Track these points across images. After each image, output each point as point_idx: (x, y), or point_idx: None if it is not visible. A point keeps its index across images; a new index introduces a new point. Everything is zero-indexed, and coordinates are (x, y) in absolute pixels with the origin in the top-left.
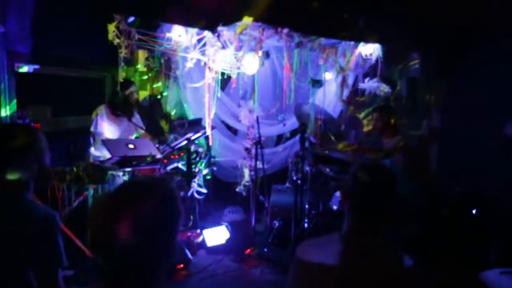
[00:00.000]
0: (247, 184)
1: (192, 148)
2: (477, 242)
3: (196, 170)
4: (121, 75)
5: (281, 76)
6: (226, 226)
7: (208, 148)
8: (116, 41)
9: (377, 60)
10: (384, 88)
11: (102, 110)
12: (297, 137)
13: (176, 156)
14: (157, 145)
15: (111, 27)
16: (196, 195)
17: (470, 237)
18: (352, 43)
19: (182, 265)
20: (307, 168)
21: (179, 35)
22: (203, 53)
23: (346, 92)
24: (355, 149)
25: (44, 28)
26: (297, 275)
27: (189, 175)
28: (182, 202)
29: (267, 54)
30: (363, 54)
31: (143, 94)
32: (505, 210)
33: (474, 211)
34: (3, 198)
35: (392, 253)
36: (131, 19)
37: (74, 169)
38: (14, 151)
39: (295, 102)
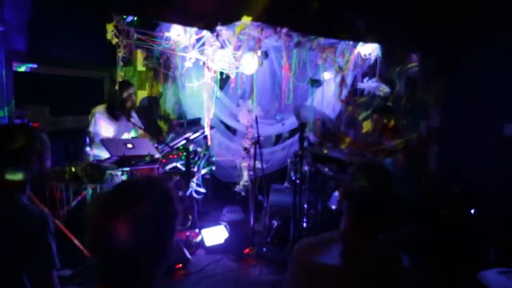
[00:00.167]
0: (246, 183)
1: (191, 147)
2: (475, 242)
3: (195, 169)
4: (120, 74)
5: (280, 75)
6: (225, 226)
7: (207, 147)
8: (115, 40)
9: (376, 60)
10: (384, 89)
11: (100, 110)
12: (296, 137)
13: (175, 156)
14: (155, 145)
15: (110, 27)
16: (194, 195)
17: (468, 237)
18: (351, 43)
19: (180, 265)
20: (306, 168)
21: (177, 35)
22: (201, 52)
23: (344, 92)
24: (358, 145)
25: (42, 27)
26: (295, 274)
27: (188, 175)
28: (180, 201)
29: (266, 54)
30: (362, 54)
31: (142, 94)
32: (503, 210)
33: (472, 211)
34: None
35: (391, 253)
36: (130, 18)
37: (73, 168)
38: (13, 153)
39: (294, 101)
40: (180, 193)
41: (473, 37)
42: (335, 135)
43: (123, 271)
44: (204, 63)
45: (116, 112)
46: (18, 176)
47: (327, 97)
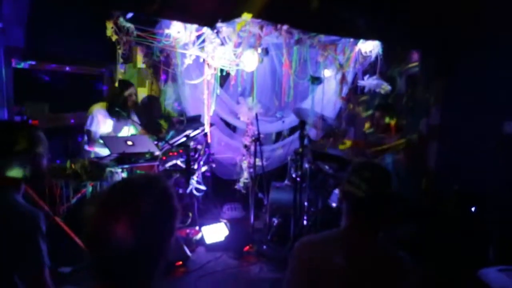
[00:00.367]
0: (246, 181)
1: (191, 144)
2: (475, 240)
3: (195, 167)
4: (119, 71)
5: (280, 73)
6: (225, 223)
7: (207, 145)
8: (114, 37)
9: (376, 57)
10: (385, 87)
11: (99, 108)
12: (296, 134)
13: (175, 153)
14: (155, 142)
15: (109, 24)
16: (195, 192)
17: (468, 236)
18: (351, 40)
19: (180, 262)
20: (306, 166)
21: (178, 32)
22: (202, 49)
23: (345, 89)
24: (359, 145)
25: (42, 24)
26: (295, 272)
27: (188, 172)
28: (180, 199)
29: (266, 51)
30: (363, 51)
31: (141, 91)
32: (503, 208)
33: (473, 209)
34: None
35: (391, 252)
36: (130, 15)
37: (72, 166)
38: (10, 152)
39: (294, 99)
40: (180, 190)
41: (473, 37)
42: (336, 132)
43: (122, 270)
44: (204, 60)
45: (116, 110)
46: (14, 175)
47: (327, 95)
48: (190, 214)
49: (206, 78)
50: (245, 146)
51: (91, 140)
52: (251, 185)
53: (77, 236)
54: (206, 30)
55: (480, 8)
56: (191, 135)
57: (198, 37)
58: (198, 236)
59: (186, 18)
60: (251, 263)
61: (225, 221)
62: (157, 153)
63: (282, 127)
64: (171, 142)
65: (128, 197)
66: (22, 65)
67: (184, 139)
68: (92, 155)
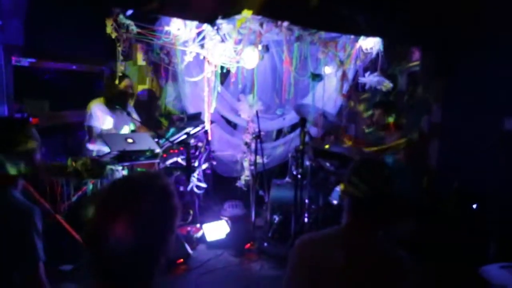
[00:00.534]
0: (247, 178)
1: (192, 142)
2: (476, 238)
3: (196, 164)
4: (120, 69)
5: (280, 70)
6: (226, 221)
7: (208, 142)
8: (114, 34)
9: (377, 54)
10: (387, 84)
11: (97, 103)
12: (297, 131)
13: (176, 151)
14: (156, 140)
15: (109, 21)
16: (195, 190)
17: (469, 233)
18: (352, 37)
19: (181, 260)
20: (307, 163)
21: (178, 29)
22: (202, 46)
23: (346, 87)
24: (360, 144)
25: (41, 21)
26: (295, 269)
27: (189, 170)
28: (181, 197)
29: (266, 48)
30: (364, 48)
31: (142, 88)
32: (504, 206)
33: (474, 207)
34: None
35: (391, 250)
36: (130, 12)
37: (73, 163)
38: (4, 148)
39: (295, 96)
40: (181, 188)
41: (473, 37)
42: (337, 129)
43: (122, 269)
44: (204, 57)
45: (114, 105)
46: (8, 171)
47: (328, 92)
48: (191, 212)
49: (206, 75)
50: (246, 144)
51: (92, 137)
52: (252, 183)
53: (78, 234)
54: (206, 27)
55: (480, 7)
56: (192, 132)
57: (198, 34)
58: (199, 234)
59: (186, 15)
60: (252, 260)
61: (226, 218)
62: (158, 150)
63: (282, 125)
64: (171, 139)
65: (128, 196)
66: (22, 62)
67: (185, 136)
68: (94, 154)
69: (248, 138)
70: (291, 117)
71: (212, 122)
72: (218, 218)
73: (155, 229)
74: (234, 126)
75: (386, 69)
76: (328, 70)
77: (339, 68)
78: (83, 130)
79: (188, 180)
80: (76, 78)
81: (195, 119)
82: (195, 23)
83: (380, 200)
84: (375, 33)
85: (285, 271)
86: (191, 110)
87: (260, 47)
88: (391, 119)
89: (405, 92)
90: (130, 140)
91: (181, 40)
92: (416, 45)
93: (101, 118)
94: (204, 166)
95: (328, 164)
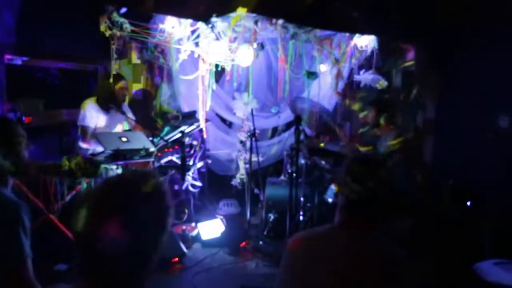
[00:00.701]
0: (242, 177)
1: (187, 140)
2: (471, 234)
3: (191, 163)
4: (114, 67)
5: (275, 68)
6: (221, 220)
7: (203, 141)
8: (108, 32)
9: (372, 52)
10: (383, 83)
11: (90, 103)
12: (292, 130)
13: (170, 149)
14: (150, 138)
15: (103, 19)
16: (190, 188)
17: (464, 230)
18: (347, 34)
19: (176, 259)
20: (302, 161)
21: (172, 27)
22: (196, 44)
23: (341, 84)
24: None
25: (34, 19)
26: (288, 267)
27: (184, 168)
28: (175, 195)
29: (261, 46)
30: (359, 46)
31: (137, 87)
32: (498, 203)
33: (468, 204)
34: None
35: (386, 247)
36: (124, 10)
37: (66, 162)
38: None
39: (290, 94)
40: (176, 186)
41: (468, 34)
42: (331, 128)
43: (113, 269)
44: (199, 55)
45: (108, 104)
46: None
47: (323, 90)
48: (186, 211)
49: (201, 73)
50: (241, 142)
51: (85, 136)
52: (247, 181)
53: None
54: (200, 25)
55: (475, 4)
56: (186, 131)
57: (193, 32)
58: (194, 233)
59: (180, 13)
60: (248, 259)
61: (221, 217)
62: (152, 149)
63: (277, 123)
64: (166, 138)
65: (119, 195)
66: (14, 61)
67: (179, 135)
68: (90, 151)
69: (243, 136)
70: (286, 116)
71: (207, 120)
72: (213, 216)
73: (147, 228)
74: (229, 124)
75: (381, 67)
76: (323, 68)
77: (334, 66)
78: (77, 129)
79: (183, 179)
80: (70, 76)
81: (190, 117)
82: (190, 21)
83: (374, 200)
84: (370, 31)
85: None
86: (186, 108)
87: (255, 45)
88: (384, 120)
89: (400, 89)
90: (124, 139)
91: (176, 38)
92: (411, 42)
93: (95, 117)
94: (199, 164)
95: (323, 162)
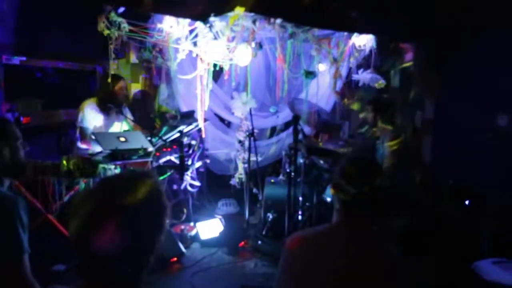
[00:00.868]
0: (240, 176)
1: (185, 139)
2: (469, 233)
3: (189, 163)
4: (112, 67)
5: (274, 67)
6: (220, 219)
7: (201, 140)
8: (106, 32)
9: (370, 51)
10: (381, 83)
11: (89, 103)
12: (291, 129)
13: (169, 149)
14: (149, 138)
15: (101, 18)
16: (189, 188)
17: (463, 229)
18: (345, 34)
19: (175, 258)
20: (301, 160)
21: (170, 26)
22: (195, 44)
23: (339, 84)
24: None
25: (33, 19)
26: (286, 267)
27: (182, 168)
28: (174, 195)
29: (260, 45)
30: (357, 45)
31: (135, 87)
32: (497, 202)
33: (467, 203)
34: None
35: (384, 246)
36: (122, 9)
37: (64, 162)
38: None
39: (289, 93)
40: (175, 186)
41: (467, 33)
42: (330, 127)
43: (110, 269)
44: (197, 55)
45: (108, 106)
46: None
47: (321, 89)
48: (185, 210)
49: (200, 73)
50: (240, 142)
51: (84, 137)
52: (246, 181)
53: None
54: (199, 24)
55: (474, 3)
56: (185, 130)
57: (191, 31)
58: (193, 232)
59: (178, 12)
60: (246, 258)
61: (220, 217)
62: (150, 149)
63: (276, 122)
64: (164, 138)
65: (115, 195)
66: (12, 61)
67: (178, 134)
68: (90, 152)
69: (241, 136)
70: (285, 115)
71: (205, 120)
72: (212, 216)
73: (145, 228)
74: (227, 124)
75: (379, 66)
76: (321, 67)
77: (332, 65)
78: (75, 129)
79: (181, 179)
80: (69, 76)
81: (188, 117)
82: (188, 20)
83: (370, 201)
84: (369, 30)
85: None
86: (184, 108)
87: (253, 44)
88: (383, 120)
89: (398, 89)
90: (122, 139)
91: (174, 37)
92: (410, 42)
93: (94, 118)
94: (198, 164)
95: (321, 162)
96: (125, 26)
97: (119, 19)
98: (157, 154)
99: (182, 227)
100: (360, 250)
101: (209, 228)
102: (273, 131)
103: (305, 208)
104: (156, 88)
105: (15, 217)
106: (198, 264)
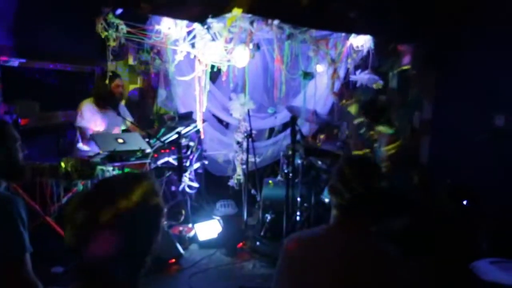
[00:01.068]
0: (239, 177)
1: (184, 141)
2: (468, 233)
3: (187, 164)
4: (110, 68)
5: (272, 68)
6: (218, 220)
7: (200, 142)
8: (104, 34)
9: (368, 52)
10: (379, 84)
11: (88, 103)
12: (289, 130)
13: (167, 150)
14: (147, 139)
15: (99, 20)
16: (187, 190)
17: (461, 229)
18: (343, 34)
19: (174, 260)
20: (299, 161)
21: (168, 28)
22: (193, 45)
23: (337, 85)
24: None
25: (31, 21)
26: (284, 269)
27: (180, 170)
28: (172, 197)
29: (257, 46)
30: (355, 46)
31: (133, 88)
32: (495, 201)
33: (465, 203)
34: None
35: (382, 246)
36: (119, 11)
37: (62, 164)
38: None
39: (287, 94)
40: (173, 188)
41: (466, 32)
42: (328, 128)
43: (106, 270)
44: (195, 56)
45: (105, 104)
46: None
47: (319, 90)
48: (183, 212)
49: (197, 74)
50: (238, 143)
51: (84, 138)
52: (244, 182)
53: None
54: (196, 26)
55: (472, 3)
56: (183, 132)
57: (189, 33)
58: (191, 234)
59: (176, 14)
60: (245, 259)
61: (218, 218)
62: (148, 150)
63: (274, 123)
64: (162, 139)
65: (111, 196)
66: (11, 63)
67: (176, 136)
68: (91, 153)
69: (240, 137)
70: (283, 116)
71: (204, 121)
72: (210, 217)
73: (140, 229)
74: (226, 125)
75: (377, 67)
76: (319, 68)
77: (330, 66)
78: (74, 130)
79: (179, 180)
80: (67, 78)
81: (187, 118)
82: (186, 22)
83: (368, 202)
84: (367, 31)
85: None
86: (183, 109)
87: (251, 45)
88: (379, 126)
89: (396, 90)
90: (120, 140)
91: (172, 39)
92: (408, 42)
93: (92, 118)
94: (196, 165)
95: (319, 163)
96: (123, 27)
97: (117, 21)
98: (155, 155)
99: (181, 228)
100: (358, 251)
101: (208, 229)
102: (272, 132)
103: (303, 209)
104: (154, 90)
105: (15, 216)
106: (197, 265)
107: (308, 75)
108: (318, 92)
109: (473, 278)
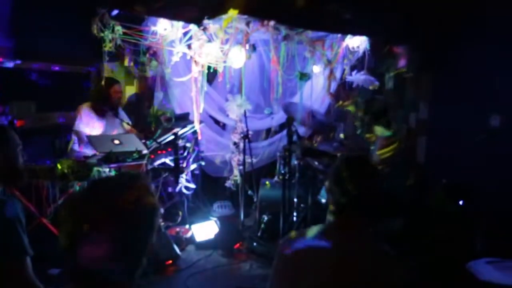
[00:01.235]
0: (235, 178)
1: (180, 142)
2: (463, 233)
3: (184, 165)
4: (106, 70)
5: (268, 69)
6: (215, 221)
7: (196, 143)
8: (100, 35)
9: (364, 53)
10: (375, 86)
11: (86, 107)
12: (285, 131)
13: (163, 151)
14: (143, 141)
15: (95, 21)
16: (184, 191)
17: (457, 228)
18: (339, 35)
19: (170, 261)
20: (295, 162)
21: (164, 29)
22: (189, 46)
23: (333, 85)
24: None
25: (27, 22)
26: (279, 269)
27: (177, 171)
28: (169, 198)
29: (253, 47)
30: (351, 47)
31: (129, 89)
32: (491, 201)
33: (461, 203)
34: None
35: (378, 246)
36: (115, 12)
37: (58, 166)
38: None
39: (283, 95)
40: (170, 189)
41: (460, 33)
42: (325, 128)
43: (101, 271)
44: (191, 57)
45: (103, 108)
46: None
47: (316, 91)
48: (180, 213)
49: (194, 75)
50: (235, 144)
51: (81, 142)
52: (241, 183)
53: None
54: (193, 27)
55: (466, 4)
56: (180, 133)
57: (185, 34)
58: (188, 235)
59: (172, 15)
60: (242, 260)
61: (215, 219)
62: (145, 151)
63: (271, 124)
64: (159, 140)
65: (105, 197)
66: (6, 64)
67: (173, 137)
68: (88, 154)
69: (236, 138)
70: (279, 117)
71: (201, 122)
72: (207, 218)
73: (135, 229)
74: (222, 126)
75: (373, 67)
76: (315, 69)
77: (326, 67)
78: (70, 131)
79: (176, 181)
80: (63, 79)
81: (183, 119)
82: (182, 23)
83: (364, 203)
84: (363, 31)
85: None
86: (179, 110)
87: (247, 46)
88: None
89: (392, 91)
90: (116, 142)
91: (168, 40)
92: (405, 43)
93: (90, 123)
94: (193, 166)
95: (316, 163)
96: (119, 28)
97: (113, 22)
98: (152, 156)
99: (177, 229)
100: (354, 251)
101: (204, 230)
102: (269, 132)
103: (300, 210)
104: (151, 92)
105: (13, 219)
106: (194, 266)
107: (305, 76)
108: (314, 93)
109: (469, 278)
